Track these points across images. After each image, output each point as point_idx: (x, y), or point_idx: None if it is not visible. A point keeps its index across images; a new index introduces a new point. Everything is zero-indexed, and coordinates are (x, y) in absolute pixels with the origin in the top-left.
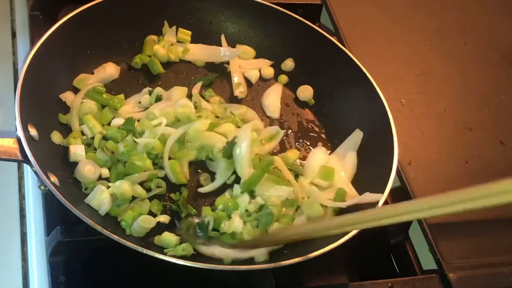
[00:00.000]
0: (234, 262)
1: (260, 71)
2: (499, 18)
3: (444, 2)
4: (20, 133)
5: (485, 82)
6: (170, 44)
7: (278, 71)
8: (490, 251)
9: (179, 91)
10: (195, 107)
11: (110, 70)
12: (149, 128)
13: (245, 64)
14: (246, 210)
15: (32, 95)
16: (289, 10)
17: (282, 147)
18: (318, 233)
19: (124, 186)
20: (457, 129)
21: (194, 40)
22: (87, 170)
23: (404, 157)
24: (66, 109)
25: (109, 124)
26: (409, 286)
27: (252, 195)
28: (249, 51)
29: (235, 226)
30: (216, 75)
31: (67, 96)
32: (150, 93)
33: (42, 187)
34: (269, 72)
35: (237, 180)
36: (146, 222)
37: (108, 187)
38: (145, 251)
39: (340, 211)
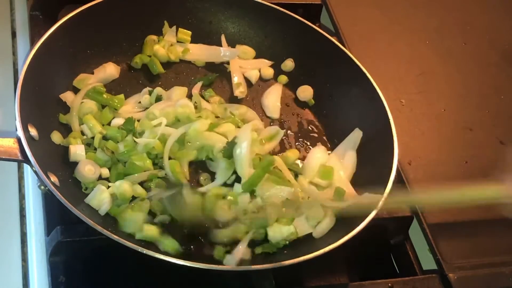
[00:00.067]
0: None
1: (260, 71)
2: (499, 18)
3: (444, 2)
4: (20, 133)
5: (485, 82)
6: (170, 44)
7: (278, 71)
8: (490, 251)
9: (179, 91)
10: (195, 107)
11: (110, 70)
12: (149, 128)
13: (245, 64)
14: (244, 209)
15: (32, 95)
16: (289, 10)
17: (282, 147)
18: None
19: (124, 186)
20: (457, 129)
21: (194, 40)
22: (87, 170)
23: (404, 157)
24: (66, 109)
25: (109, 124)
26: (409, 286)
27: (252, 195)
28: (249, 51)
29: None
30: (216, 75)
31: (67, 96)
32: (150, 93)
33: (42, 187)
34: (268, 72)
35: (237, 180)
36: (137, 217)
37: (108, 187)
38: (145, 251)
39: (339, 211)
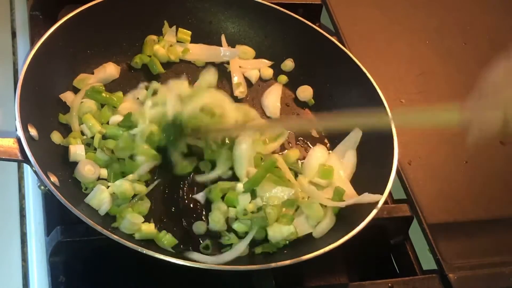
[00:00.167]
0: (234, 261)
1: (259, 71)
2: (499, 18)
3: (444, 2)
4: (20, 133)
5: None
6: (170, 44)
7: (278, 71)
8: (490, 251)
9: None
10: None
11: (110, 70)
12: (141, 116)
13: (245, 64)
14: (244, 209)
15: (32, 95)
16: (289, 10)
17: (282, 147)
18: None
19: (124, 185)
20: (457, 129)
21: (194, 40)
22: (87, 170)
23: (404, 157)
24: (66, 109)
25: (108, 123)
26: (409, 286)
27: (253, 195)
28: (249, 51)
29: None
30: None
31: (67, 96)
32: (146, 88)
33: (42, 187)
34: (268, 73)
35: (234, 175)
36: (135, 218)
37: (108, 186)
38: (145, 251)
39: (339, 211)
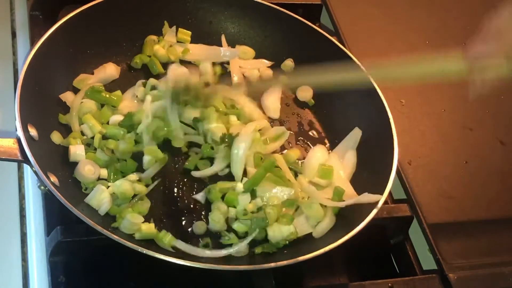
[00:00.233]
0: (234, 261)
1: (259, 71)
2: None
3: (444, 2)
4: (20, 133)
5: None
6: (170, 45)
7: (278, 71)
8: (490, 251)
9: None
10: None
11: (110, 70)
12: (143, 113)
13: (245, 64)
14: (244, 209)
15: (32, 95)
16: (289, 10)
17: (282, 147)
18: None
19: (124, 185)
20: (457, 129)
21: (194, 40)
22: (87, 170)
23: (404, 157)
24: (66, 109)
25: (108, 122)
26: (409, 286)
27: (253, 195)
28: (249, 51)
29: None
30: None
31: (67, 96)
32: (144, 85)
33: (42, 187)
34: (267, 73)
35: (230, 173)
36: (135, 218)
37: (108, 186)
38: (145, 251)
39: (339, 211)
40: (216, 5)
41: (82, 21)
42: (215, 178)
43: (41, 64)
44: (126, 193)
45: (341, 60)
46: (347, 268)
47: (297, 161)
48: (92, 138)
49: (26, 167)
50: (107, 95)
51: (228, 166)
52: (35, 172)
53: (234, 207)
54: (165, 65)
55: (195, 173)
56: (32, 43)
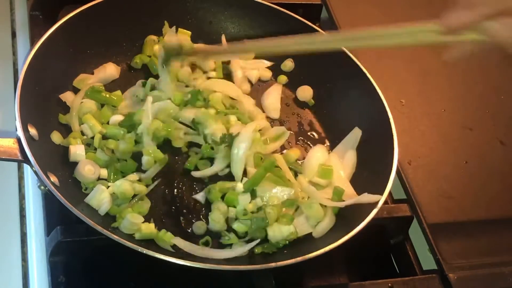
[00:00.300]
0: (234, 261)
1: (259, 72)
2: None
3: (444, 2)
4: (20, 133)
5: (485, 82)
6: None
7: (278, 71)
8: (490, 251)
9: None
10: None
11: (110, 70)
12: (143, 113)
13: (245, 64)
14: (244, 209)
15: (32, 95)
16: (289, 10)
17: (282, 147)
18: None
19: (124, 185)
20: (457, 129)
21: (194, 40)
22: (87, 170)
23: (404, 157)
24: (66, 109)
25: (108, 122)
26: (409, 286)
27: (253, 195)
28: None
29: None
30: None
31: (67, 96)
32: (143, 85)
33: (42, 187)
34: (267, 74)
35: (230, 173)
36: (135, 218)
37: (108, 186)
38: (145, 251)
39: (339, 211)
40: (216, 5)
41: (82, 21)
42: (215, 178)
43: (41, 64)
44: (126, 193)
45: (341, 60)
46: (347, 268)
47: (297, 161)
48: (92, 138)
49: (26, 167)
50: (107, 95)
51: (228, 166)
52: (35, 172)
53: (234, 207)
54: None
55: (195, 173)
56: (32, 43)
